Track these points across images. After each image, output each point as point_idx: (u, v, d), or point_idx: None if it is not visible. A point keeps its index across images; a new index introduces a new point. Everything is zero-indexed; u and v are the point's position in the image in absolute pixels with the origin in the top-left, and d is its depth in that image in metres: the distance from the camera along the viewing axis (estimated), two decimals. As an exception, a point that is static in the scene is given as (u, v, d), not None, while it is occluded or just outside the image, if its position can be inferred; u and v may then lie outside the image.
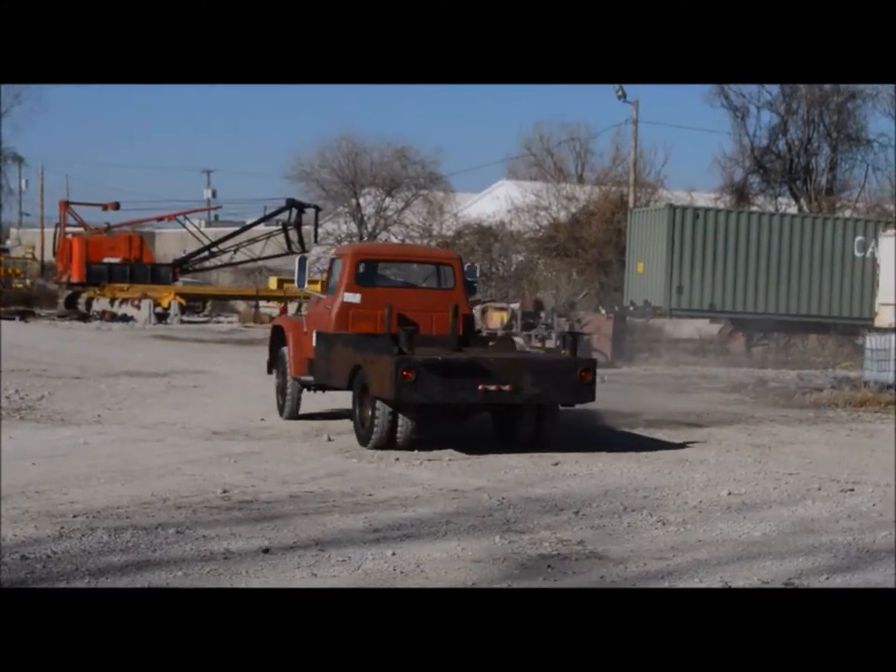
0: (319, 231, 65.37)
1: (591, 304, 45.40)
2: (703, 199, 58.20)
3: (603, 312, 40.90)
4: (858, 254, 40.17)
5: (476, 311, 40.24)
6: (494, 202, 69.67)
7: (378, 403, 17.42)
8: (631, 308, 40.68)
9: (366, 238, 75.15)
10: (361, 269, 20.24)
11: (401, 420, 17.52)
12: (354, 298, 19.85)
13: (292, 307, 46.61)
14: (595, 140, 77.75)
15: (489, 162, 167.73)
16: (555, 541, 12.00)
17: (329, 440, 18.45)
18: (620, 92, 53.40)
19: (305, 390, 20.72)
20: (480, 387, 17.27)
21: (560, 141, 69.93)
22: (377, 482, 15.10)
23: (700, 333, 43.25)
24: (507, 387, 17.37)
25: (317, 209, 63.32)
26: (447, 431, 18.28)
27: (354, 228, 77.20)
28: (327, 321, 19.90)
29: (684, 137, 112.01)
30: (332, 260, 21.10)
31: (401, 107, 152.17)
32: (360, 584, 10.12)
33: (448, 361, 17.51)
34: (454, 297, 20.02)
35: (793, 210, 56.76)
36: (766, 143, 61.70)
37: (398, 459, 16.90)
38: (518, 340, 31.47)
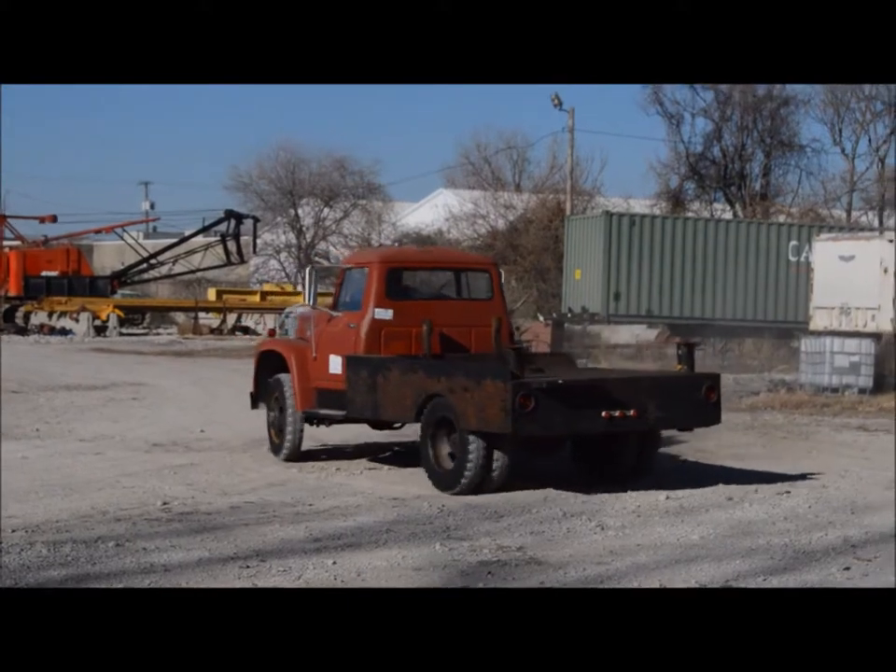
0: (258, 241, 65.17)
1: (529, 311, 45.51)
2: (639, 205, 58.40)
3: (541, 319, 41.00)
4: (792, 258, 40.41)
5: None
6: (432, 210, 69.76)
7: (472, 439, 14.78)
8: (569, 315, 40.81)
9: (304, 248, 75.14)
10: (391, 279, 17.26)
11: (497, 456, 14.93)
12: (385, 314, 16.92)
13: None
14: (531, 148, 77.69)
15: (427, 172, 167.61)
16: (495, 548, 12.01)
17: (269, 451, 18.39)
18: (556, 101, 53.50)
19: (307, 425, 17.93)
20: (603, 414, 14.76)
21: (497, 150, 70.09)
22: (317, 491, 15.09)
23: (637, 339, 43.47)
24: (632, 412, 14.94)
25: (256, 220, 63.10)
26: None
27: (293, 238, 77.19)
28: (350, 343, 16.93)
29: (620, 145, 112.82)
30: (345, 271, 17.87)
31: (340, 118, 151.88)
32: (301, 594, 10.11)
33: (570, 385, 14.91)
34: (493, 308, 17.48)
35: (728, 216, 57.03)
36: (701, 149, 62.03)
37: (338, 469, 16.93)
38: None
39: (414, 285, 18.00)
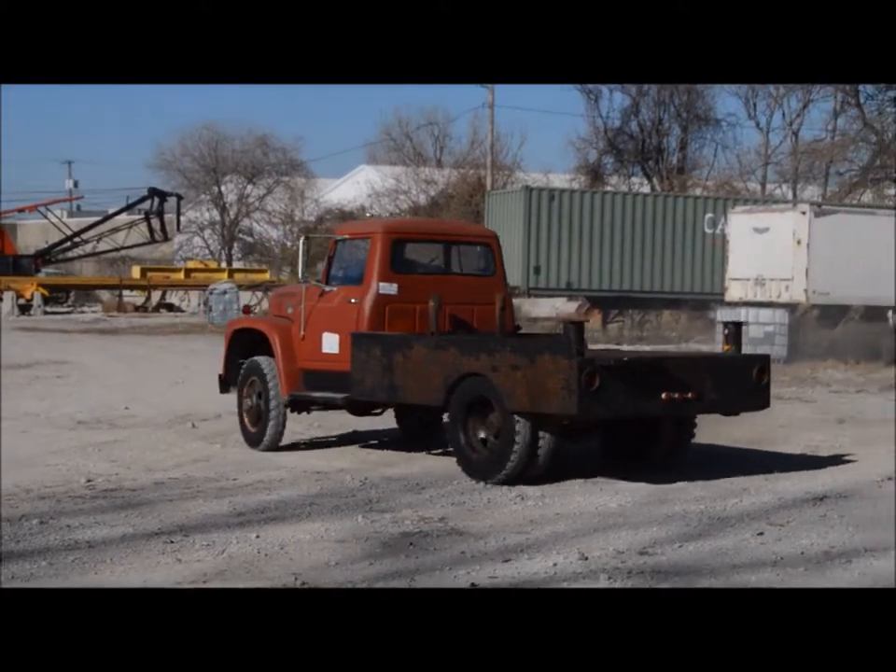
0: (182, 219, 64.81)
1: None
2: (559, 180, 58.60)
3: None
4: (708, 230, 40.73)
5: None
6: (354, 186, 69.66)
7: (518, 420, 13.55)
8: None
9: (227, 225, 74.83)
10: (395, 252, 15.81)
11: (543, 438, 13.71)
12: (390, 289, 15.49)
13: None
14: (452, 124, 78.17)
15: (349, 148, 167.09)
16: (417, 519, 12.03)
17: (194, 426, 18.33)
18: (475, 77, 53.53)
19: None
20: (664, 395, 13.67)
21: (419, 126, 70.08)
22: (241, 466, 15.03)
23: (557, 311, 43.56)
24: (690, 394, 13.87)
25: (179, 197, 62.78)
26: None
27: (216, 215, 76.86)
28: (351, 320, 15.46)
29: (539, 120, 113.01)
30: (337, 242, 16.17)
31: (262, 95, 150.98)
32: (224, 568, 10.08)
33: (634, 363, 13.89)
34: (495, 285, 16.14)
35: (646, 189, 57.37)
36: (619, 124, 62.40)
37: (262, 443, 16.85)
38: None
39: (415, 258, 16.45)
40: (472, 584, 9.62)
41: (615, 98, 63.16)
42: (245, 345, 16.83)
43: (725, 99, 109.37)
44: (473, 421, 14.06)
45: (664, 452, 14.74)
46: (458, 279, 16.14)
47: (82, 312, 58.52)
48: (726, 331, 15.13)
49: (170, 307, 59.35)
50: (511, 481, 13.56)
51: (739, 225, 32.68)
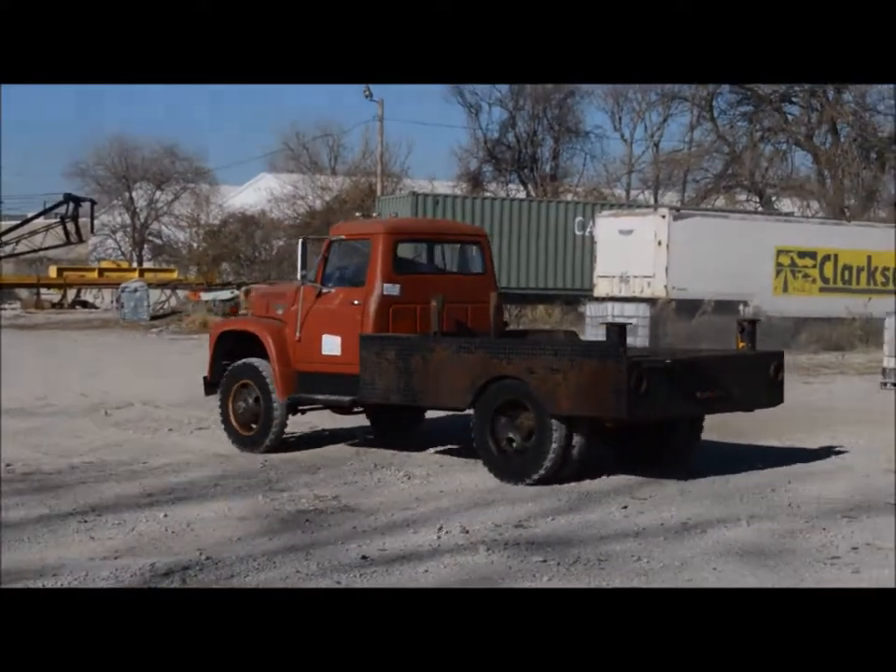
0: (95, 222, 63.93)
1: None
2: (443, 186, 58.58)
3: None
4: (578, 232, 40.86)
5: (240, 292, 39.98)
6: (255, 193, 69.23)
7: (553, 423, 12.58)
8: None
9: (138, 228, 74.16)
10: (398, 252, 14.66)
11: (575, 441, 12.76)
12: (394, 290, 14.26)
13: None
14: (346, 136, 77.71)
15: (250, 158, 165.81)
16: (313, 498, 11.99)
17: (107, 414, 18.12)
18: (367, 92, 53.52)
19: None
20: (698, 394, 12.91)
21: (314, 137, 69.91)
22: (152, 450, 14.89)
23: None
24: (721, 393, 13.15)
25: (93, 202, 61.72)
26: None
27: (127, 219, 76.21)
28: (354, 321, 14.19)
29: (425, 132, 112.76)
30: (332, 243, 14.79)
31: (169, 107, 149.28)
32: (134, 545, 9.98)
33: (675, 364, 12.87)
34: (487, 283, 15.02)
35: (522, 195, 57.53)
36: (497, 136, 62.70)
37: (171, 430, 16.69)
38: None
39: (412, 258, 15.24)
40: (363, 557, 9.61)
41: (494, 111, 63.29)
42: (232, 347, 15.43)
43: (593, 113, 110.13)
44: (502, 424, 13.00)
45: (676, 451, 13.81)
46: (453, 278, 15.00)
47: (3, 309, 57.56)
48: (742, 329, 14.10)
49: (84, 304, 58.61)
50: (545, 481, 12.58)
51: (606, 227, 32.93)
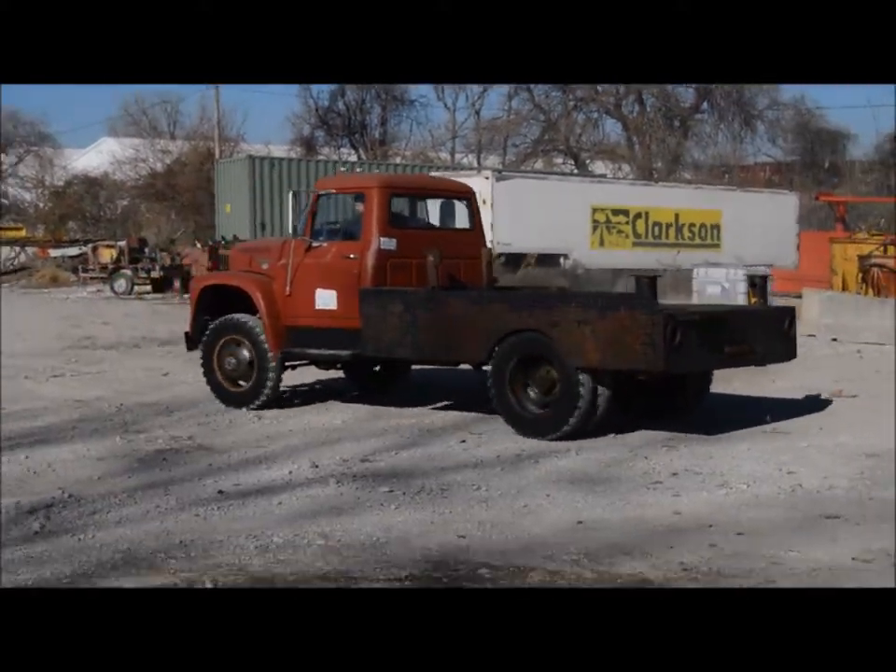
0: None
1: (189, 240, 44.69)
2: (278, 150, 57.90)
3: (199, 245, 40.52)
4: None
5: (87, 249, 39.18)
6: (98, 156, 67.78)
7: (582, 377, 11.64)
8: (223, 242, 40.39)
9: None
10: (392, 206, 13.68)
11: (600, 393, 11.81)
12: (391, 244, 13.29)
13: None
14: (183, 102, 76.53)
15: (92, 122, 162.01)
16: (168, 438, 11.83)
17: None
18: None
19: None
20: (726, 348, 11.99)
21: (153, 104, 68.70)
22: (8, 397, 14.47)
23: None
24: (746, 347, 12.28)
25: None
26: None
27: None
28: (350, 275, 13.21)
29: (260, 99, 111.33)
30: (320, 196, 13.75)
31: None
32: (-2, 484, 9.74)
33: (704, 318, 12.06)
34: (477, 239, 14.18)
35: (353, 158, 57.26)
36: (328, 104, 62.35)
37: (26, 377, 16.27)
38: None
39: (403, 213, 14.14)
40: (220, 491, 9.53)
41: (325, 80, 62.83)
42: (214, 302, 14.29)
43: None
44: (522, 378, 12.08)
45: (684, 405, 12.96)
46: (445, 234, 13.98)
47: None
48: (754, 285, 13.38)
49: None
50: (571, 436, 11.68)
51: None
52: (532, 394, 12.07)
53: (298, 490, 9.60)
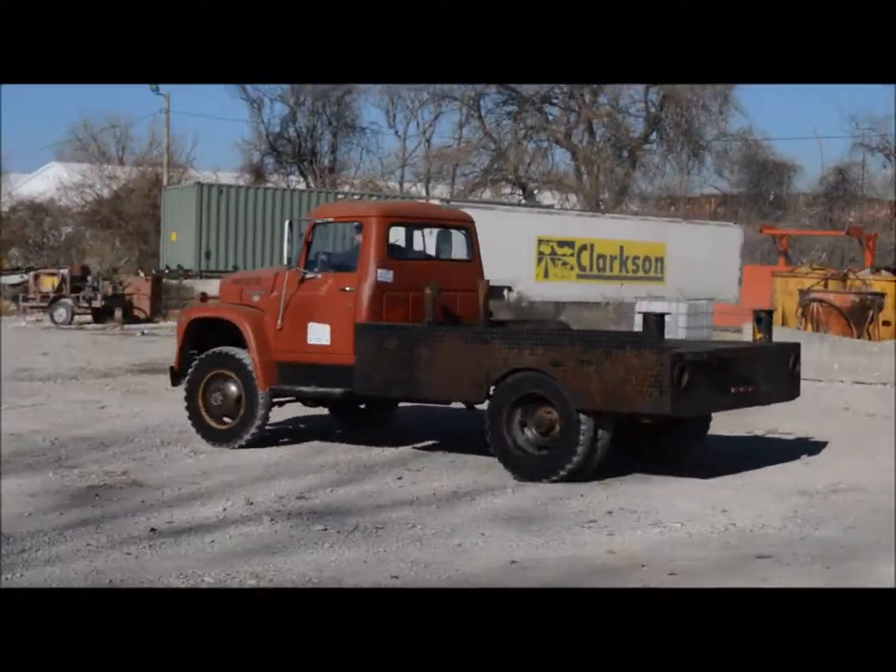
0: None
1: (132, 269, 44.49)
2: (227, 177, 57.83)
3: (142, 275, 40.30)
4: (355, 222, 40.94)
5: (29, 277, 38.84)
6: (44, 181, 67.32)
7: (584, 419, 11.27)
8: (167, 271, 40.21)
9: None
10: (391, 237, 13.12)
11: (601, 435, 11.41)
12: (387, 276, 12.77)
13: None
14: (133, 127, 76.24)
15: (40, 147, 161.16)
16: (102, 473, 11.73)
17: None
18: (154, 86, 52.66)
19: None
20: (732, 389, 11.56)
21: (102, 128, 68.32)
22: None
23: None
24: (751, 387, 11.81)
25: None
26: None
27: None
28: (345, 309, 12.67)
29: (210, 125, 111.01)
30: (316, 226, 13.21)
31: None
32: (-75, 522, 9.61)
33: (713, 357, 11.45)
34: (475, 271, 13.62)
35: (302, 186, 57.23)
36: (279, 130, 62.28)
37: (-40, 410, 16.11)
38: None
39: (400, 243, 13.52)
40: (152, 529, 9.45)
41: (276, 107, 62.94)
42: (203, 335, 13.74)
43: (369, 110, 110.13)
44: (520, 418, 11.65)
45: (682, 448, 12.42)
46: (442, 265, 13.44)
47: None
48: (758, 319, 12.72)
49: None
50: (568, 479, 11.31)
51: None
52: (530, 435, 11.63)
53: (231, 528, 9.54)
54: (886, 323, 24.75)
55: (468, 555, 8.83)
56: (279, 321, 13.00)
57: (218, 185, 42.54)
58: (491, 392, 11.80)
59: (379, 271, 12.67)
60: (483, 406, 12.22)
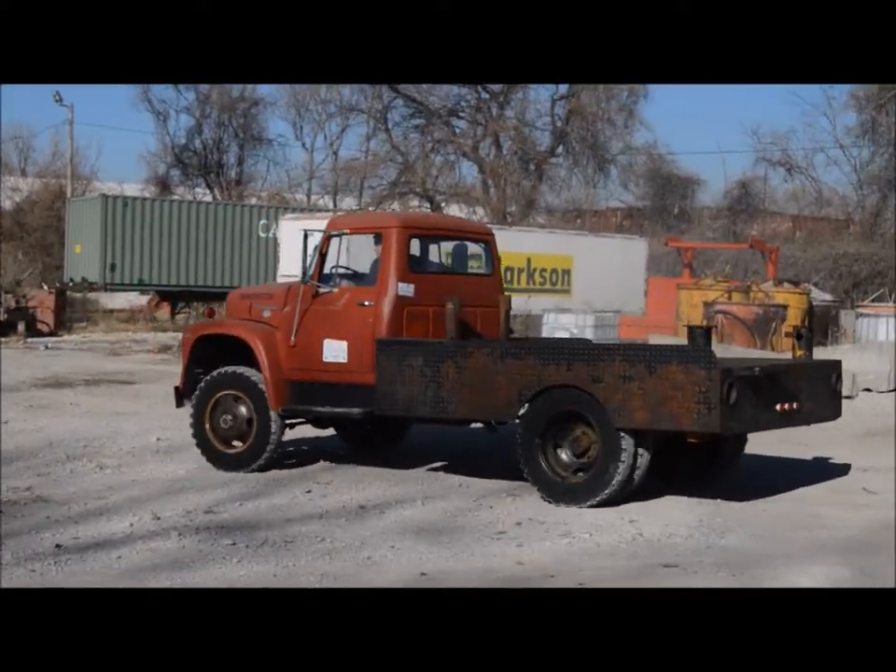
0: None
1: (35, 281, 43.90)
2: (132, 189, 57.27)
3: (46, 288, 39.79)
4: (262, 235, 40.71)
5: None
6: (-56, 193, 66.30)
7: (623, 437, 10.70)
8: (71, 284, 39.72)
9: None
10: (412, 249, 12.49)
11: (641, 455, 10.93)
12: (408, 290, 12.14)
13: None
14: (35, 138, 75.26)
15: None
16: (6, 489, 11.55)
17: None
18: (57, 97, 52.06)
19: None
20: (778, 407, 11.04)
21: (4, 140, 67.42)
22: None
23: (131, 304, 43.05)
24: (796, 405, 11.29)
25: None
26: None
27: None
28: (364, 324, 12.08)
29: (115, 137, 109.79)
30: (329, 237, 12.46)
31: None
32: None
33: (763, 374, 10.88)
34: (495, 285, 13.00)
35: (209, 198, 56.89)
36: (185, 142, 61.89)
37: None
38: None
39: (419, 256, 12.73)
40: (57, 545, 9.34)
41: (181, 119, 62.54)
42: (209, 353, 13.10)
43: (277, 123, 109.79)
44: (554, 438, 11.15)
45: (722, 467, 11.98)
46: (463, 279, 12.85)
47: None
48: (799, 336, 12.25)
49: None
50: (607, 504, 10.80)
51: (289, 230, 32.83)
52: (564, 456, 11.13)
53: (139, 543, 9.46)
54: (788, 334, 25.07)
55: (377, 568, 8.84)
56: (293, 337, 12.42)
57: (124, 197, 42.12)
58: (523, 411, 11.27)
59: (400, 284, 12.06)
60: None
